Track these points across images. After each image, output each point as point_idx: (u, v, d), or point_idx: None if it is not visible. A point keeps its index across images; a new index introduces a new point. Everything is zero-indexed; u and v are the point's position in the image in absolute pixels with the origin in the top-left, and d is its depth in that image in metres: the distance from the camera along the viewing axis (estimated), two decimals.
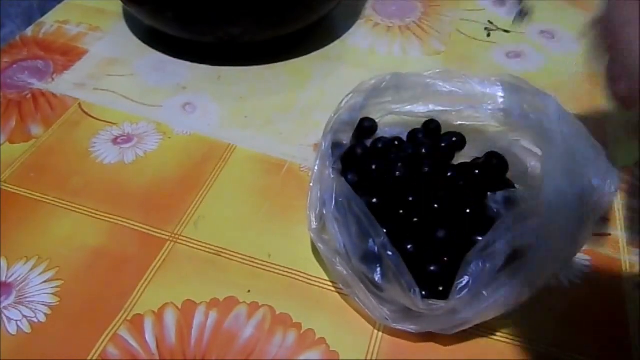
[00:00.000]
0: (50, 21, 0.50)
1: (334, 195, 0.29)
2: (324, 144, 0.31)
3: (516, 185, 0.34)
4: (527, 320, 0.30)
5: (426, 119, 0.36)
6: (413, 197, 0.32)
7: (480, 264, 0.27)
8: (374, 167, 0.34)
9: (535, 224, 0.27)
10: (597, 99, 0.43)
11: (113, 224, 0.34)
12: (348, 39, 0.49)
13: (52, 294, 0.31)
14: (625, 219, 0.35)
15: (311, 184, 0.31)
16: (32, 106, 0.42)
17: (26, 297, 0.30)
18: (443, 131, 0.36)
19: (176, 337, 0.29)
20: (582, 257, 0.33)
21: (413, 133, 0.37)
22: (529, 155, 0.34)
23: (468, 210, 0.31)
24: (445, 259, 0.29)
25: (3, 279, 0.31)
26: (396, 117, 0.36)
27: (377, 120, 0.36)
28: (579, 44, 0.49)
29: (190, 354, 0.28)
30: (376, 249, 0.27)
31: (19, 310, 0.30)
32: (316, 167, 0.31)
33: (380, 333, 0.30)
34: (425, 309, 0.27)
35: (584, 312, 0.31)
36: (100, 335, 0.29)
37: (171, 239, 0.33)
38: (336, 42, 0.49)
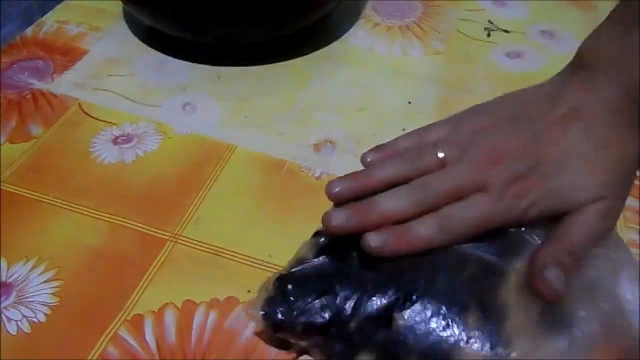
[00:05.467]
0: (50, 21, 0.50)
1: None
2: None
3: None
4: None
5: None
6: None
7: None
8: None
9: None
10: None
11: (113, 224, 0.34)
12: (348, 39, 0.49)
13: (52, 294, 0.31)
14: (625, 219, 0.35)
15: None
16: (32, 106, 0.42)
17: (26, 297, 0.30)
18: None
19: (176, 337, 0.29)
20: None
21: None
22: None
23: None
24: None
25: (3, 279, 0.31)
26: None
27: None
28: (579, 44, 0.49)
29: (190, 354, 0.28)
30: None
31: (19, 310, 0.30)
32: None
33: None
34: None
35: None
36: (100, 335, 0.29)
37: (171, 239, 0.33)
38: (336, 42, 0.49)
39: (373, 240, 0.28)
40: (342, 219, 0.28)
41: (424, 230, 0.28)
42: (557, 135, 0.30)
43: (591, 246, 0.29)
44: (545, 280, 0.27)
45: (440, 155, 0.30)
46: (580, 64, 0.32)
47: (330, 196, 0.29)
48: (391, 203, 0.29)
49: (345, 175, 0.30)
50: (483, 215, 0.29)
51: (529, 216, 0.29)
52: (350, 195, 0.29)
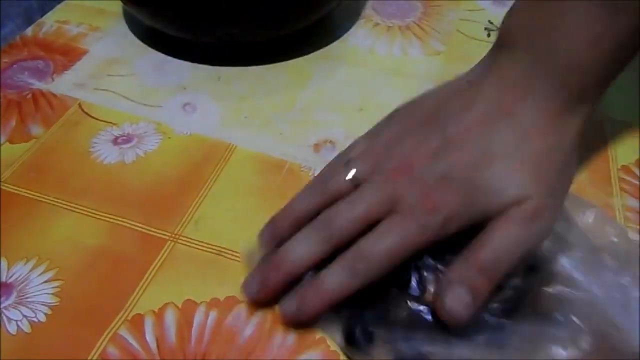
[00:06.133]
0: (50, 21, 0.50)
1: None
2: None
3: None
4: None
5: None
6: None
7: None
8: None
9: None
10: None
11: (113, 224, 0.34)
12: (348, 39, 0.50)
13: (52, 294, 0.31)
14: (625, 219, 0.35)
15: None
16: (32, 106, 0.42)
17: (26, 297, 0.30)
18: None
19: (176, 337, 0.29)
20: None
21: None
22: None
23: None
24: None
25: (3, 279, 0.31)
26: None
27: None
28: None
29: (191, 353, 0.28)
30: None
31: (19, 311, 0.30)
32: None
33: None
34: None
35: None
36: (100, 335, 0.29)
37: (171, 239, 0.33)
38: (336, 42, 0.49)
39: (285, 310, 0.27)
40: (254, 289, 0.27)
41: (334, 280, 0.26)
42: (471, 134, 0.27)
43: (515, 257, 0.25)
44: (444, 304, 0.24)
45: (352, 173, 0.28)
46: (500, 44, 0.29)
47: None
48: (299, 250, 0.27)
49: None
50: (395, 244, 0.26)
51: (447, 232, 0.26)
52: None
